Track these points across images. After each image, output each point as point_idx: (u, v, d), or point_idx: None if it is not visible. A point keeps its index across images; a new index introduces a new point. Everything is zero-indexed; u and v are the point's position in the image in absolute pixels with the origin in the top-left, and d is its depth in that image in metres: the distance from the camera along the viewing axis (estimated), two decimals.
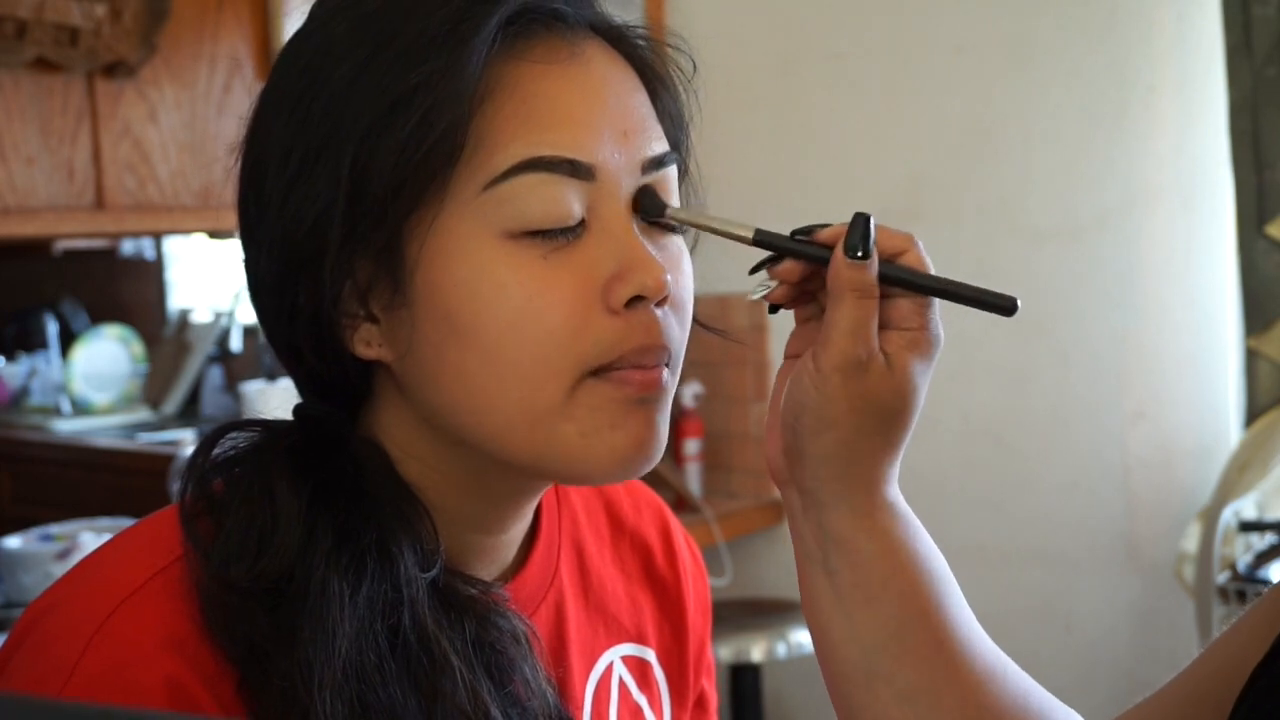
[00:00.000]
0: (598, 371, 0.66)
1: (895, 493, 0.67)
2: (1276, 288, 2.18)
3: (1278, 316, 2.18)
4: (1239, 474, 2.15)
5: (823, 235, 0.66)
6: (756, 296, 0.68)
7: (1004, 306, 0.65)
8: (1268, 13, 2.14)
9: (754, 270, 0.69)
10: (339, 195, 0.65)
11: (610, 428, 0.67)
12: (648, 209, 0.68)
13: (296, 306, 0.67)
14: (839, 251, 0.64)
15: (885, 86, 2.59)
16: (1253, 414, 2.22)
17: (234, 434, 0.71)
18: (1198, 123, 2.29)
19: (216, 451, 0.70)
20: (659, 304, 0.67)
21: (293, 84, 0.68)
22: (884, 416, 0.64)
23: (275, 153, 0.67)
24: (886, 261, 0.65)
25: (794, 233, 0.67)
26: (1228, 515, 2.11)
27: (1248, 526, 2.16)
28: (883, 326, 0.65)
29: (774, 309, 0.70)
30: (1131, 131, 2.33)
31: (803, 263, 0.66)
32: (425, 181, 0.64)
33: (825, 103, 2.66)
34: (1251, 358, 2.22)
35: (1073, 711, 0.69)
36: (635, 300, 0.66)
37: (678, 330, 0.69)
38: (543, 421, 0.66)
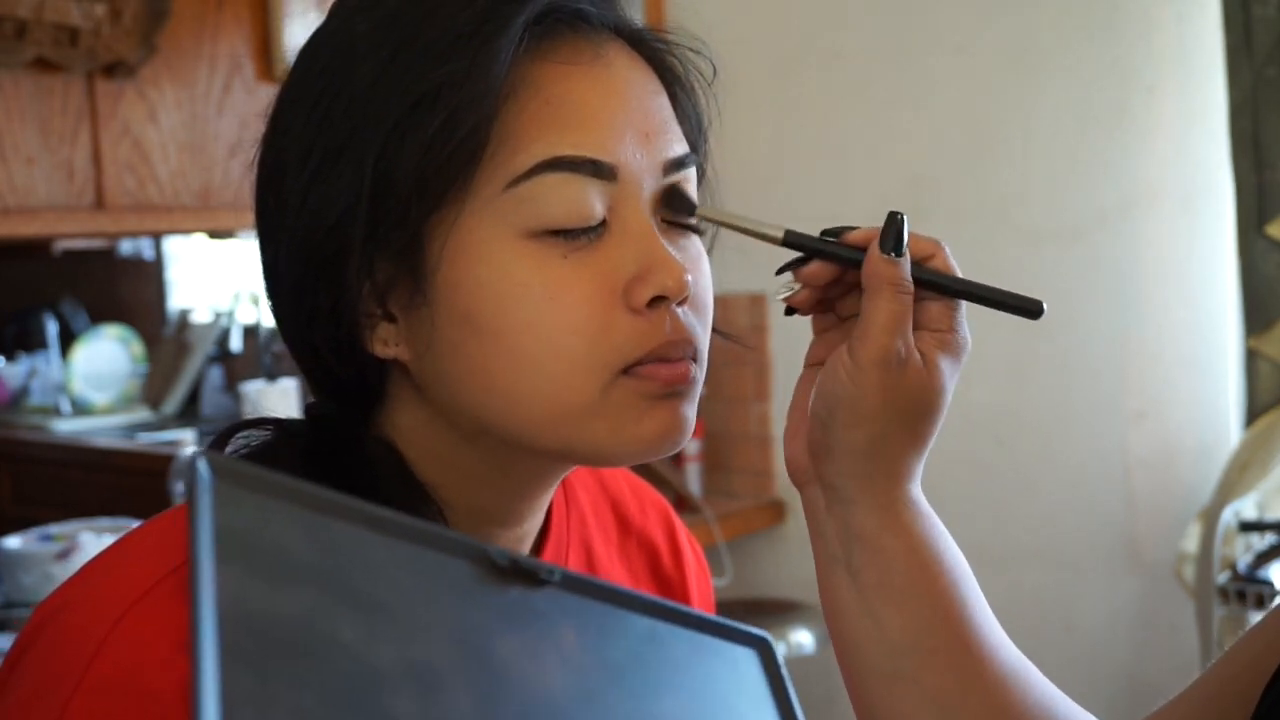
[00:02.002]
0: (628, 370, 0.66)
1: (918, 491, 0.68)
2: (1276, 288, 2.18)
3: (1278, 316, 2.18)
4: (1239, 474, 2.15)
5: (853, 237, 0.67)
6: (780, 297, 0.69)
7: (1030, 310, 0.66)
8: (1268, 13, 2.14)
9: (781, 271, 0.69)
10: (362, 194, 0.64)
11: (638, 421, 0.67)
12: (676, 207, 0.69)
13: (315, 306, 0.67)
14: (874, 248, 0.65)
15: (885, 86, 2.59)
16: (1253, 414, 2.22)
17: (246, 433, 0.71)
18: (1198, 123, 2.29)
19: (228, 451, 0.70)
20: (679, 304, 0.67)
21: (313, 83, 0.68)
22: (915, 413, 0.65)
23: (295, 152, 0.67)
24: (916, 263, 0.66)
25: (823, 233, 0.68)
26: (1228, 515, 2.11)
27: (1248, 526, 2.16)
28: (914, 327, 0.66)
29: (790, 311, 0.70)
30: (1131, 131, 2.34)
31: (830, 266, 0.67)
32: (448, 180, 0.64)
33: (825, 103, 2.66)
34: (1251, 358, 2.22)
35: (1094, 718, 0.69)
36: (656, 300, 0.66)
37: (699, 329, 0.69)
38: (571, 418, 0.66)
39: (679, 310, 0.67)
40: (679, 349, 0.67)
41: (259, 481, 0.41)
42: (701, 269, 0.71)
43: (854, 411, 0.64)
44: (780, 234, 0.67)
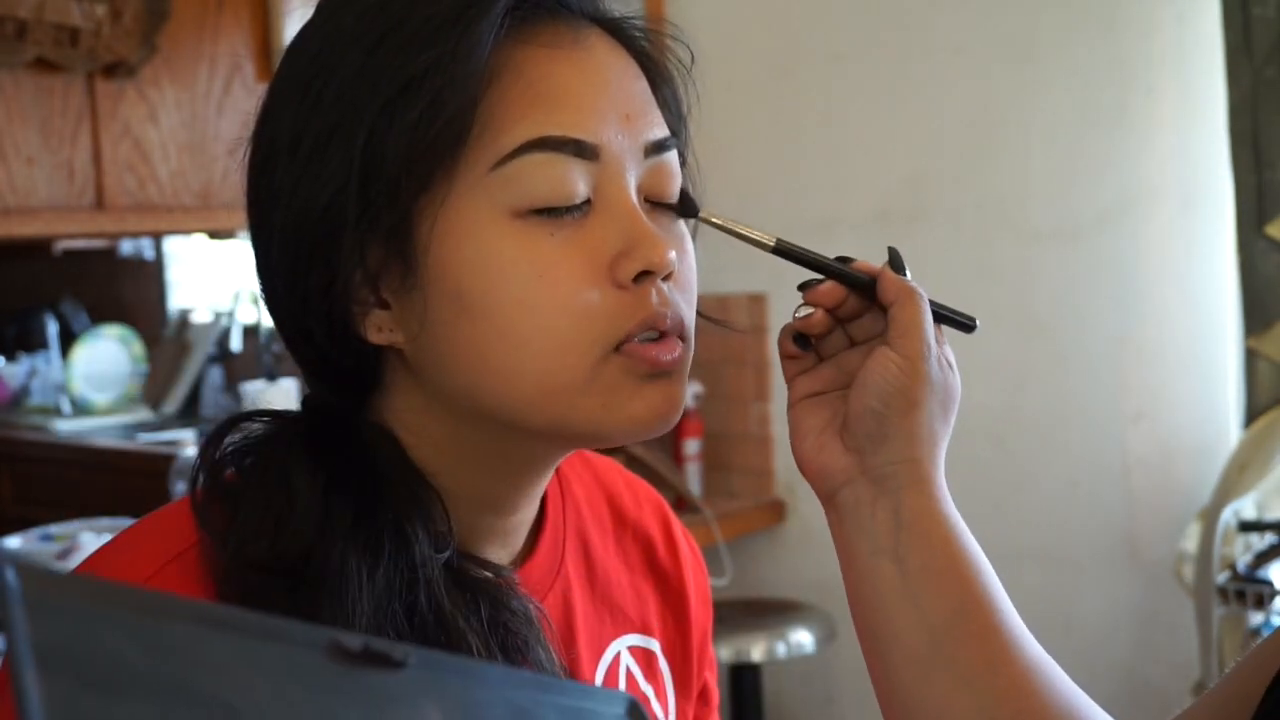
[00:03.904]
0: (618, 347, 0.68)
1: (944, 482, 0.73)
2: (1276, 288, 2.18)
3: (1278, 316, 2.18)
4: (1239, 474, 2.15)
5: (861, 265, 0.74)
6: (797, 315, 0.74)
7: (966, 325, 0.76)
8: (1268, 13, 2.14)
9: (801, 287, 0.74)
10: (351, 177, 0.66)
11: (629, 399, 0.68)
12: (686, 209, 0.72)
13: (309, 291, 0.68)
14: (888, 271, 0.73)
15: (885, 86, 2.59)
16: (1253, 414, 2.22)
17: (245, 424, 0.72)
18: (1198, 123, 2.29)
19: (228, 442, 0.71)
20: (664, 280, 0.69)
21: (302, 72, 0.69)
22: (947, 402, 0.72)
23: (286, 139, 0.68)
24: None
25: (838, 259, 0.74)
26: (1228, 515, 2.11)
27: (1247, 526, 2.16)
28: None
29: (804, 343, 0.75)
30: (1131, 131, 2.34)
31: (839, 288, 0.73)
32: (435, 162, 0.66)
33: (825, 103, 2.67)
34: (1251, 358, 2.22)
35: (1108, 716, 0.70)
36: (642, 276, 0.68)
37: (685, 306, 0.71)
38: (563, 395, 0.68)
39: (664, 286, 0.69)
40: (665, 321, 0.68)
41: (78, 588, 0.38)
42: (685, 248, 0.72)
43: (907, 398, 0.70)
44: (772, 242, 0.73)
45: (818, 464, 0.73)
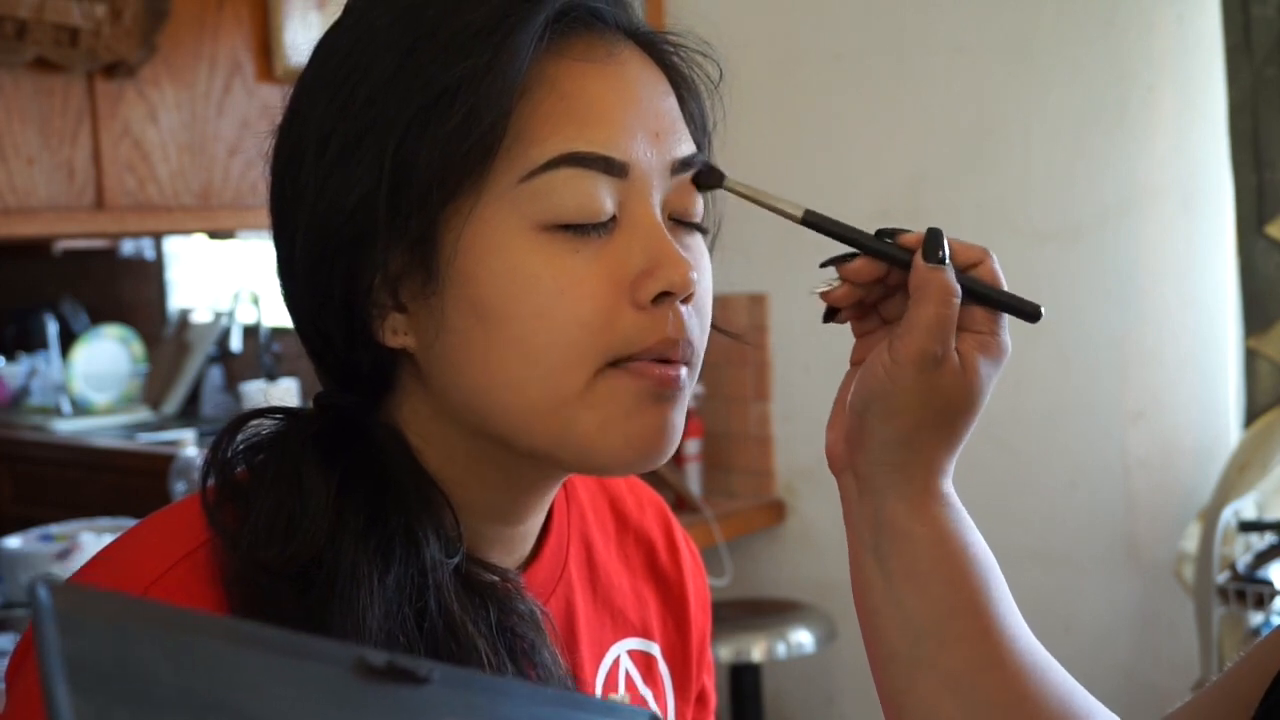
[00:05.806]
0: (618, 362, 0.67)
1: (948, 485, 0.70)
2: (1276, 288, 2.18)
3: (1278, 316, 2.18)
4: (1239, 474, 2.15)
5: (905, 239, 0.69)
6: (817, 290, 0.71)
7: (1029, 313, 0.68)
8: (1268, 13, 2.14)
9: (825, 264, 0.71)
10: (381, 182, 0.65)
11: (626, 417, 0.68)
12: (707, 180, 0.72)
13: (329, 292, 0.68)
14: (919, 258, 0.67)
15: (885, 86, 2.59)
16: (1253, 414, 2.22)
17: (256, 421, 0.72)
18: (1198, 123, 2.29)
19: (239, 439, 0.71)
20: (683, 301, 0.68)
21: (332, 72, 0.69)
22: (949, 412, 0.67)
23: (313, 138, 0.68)
24: (960, 271, 0.68)
25: (879, 233, 0.69)
26: (1228, 515, 2.12)
27: (1247, 526, 2.16)
28: (958, 329, 0.67)
29: (829, 316, 0.72)
30: (1131, 131, 2.34)
31: (873, 264, 0.69)
32: (465, 172, 0.65)
33: (825, 103, 2.67)
34: (1251, 358, 2.22)
35: (1115, 717, 0.69)
36: (662, 296, 0.67)
37: (699, 330, 0.70)
38: (563, 409, 0.67)
39: (682, 309, 0.68)
40: (677, 350, 0.68)
41: (109, 604, 0.38)
42: (703, 267, 0.72)
43: (888, 405, 0.67)
44: (799, 212, 0.70)
45: (829, 442, 0.73)
